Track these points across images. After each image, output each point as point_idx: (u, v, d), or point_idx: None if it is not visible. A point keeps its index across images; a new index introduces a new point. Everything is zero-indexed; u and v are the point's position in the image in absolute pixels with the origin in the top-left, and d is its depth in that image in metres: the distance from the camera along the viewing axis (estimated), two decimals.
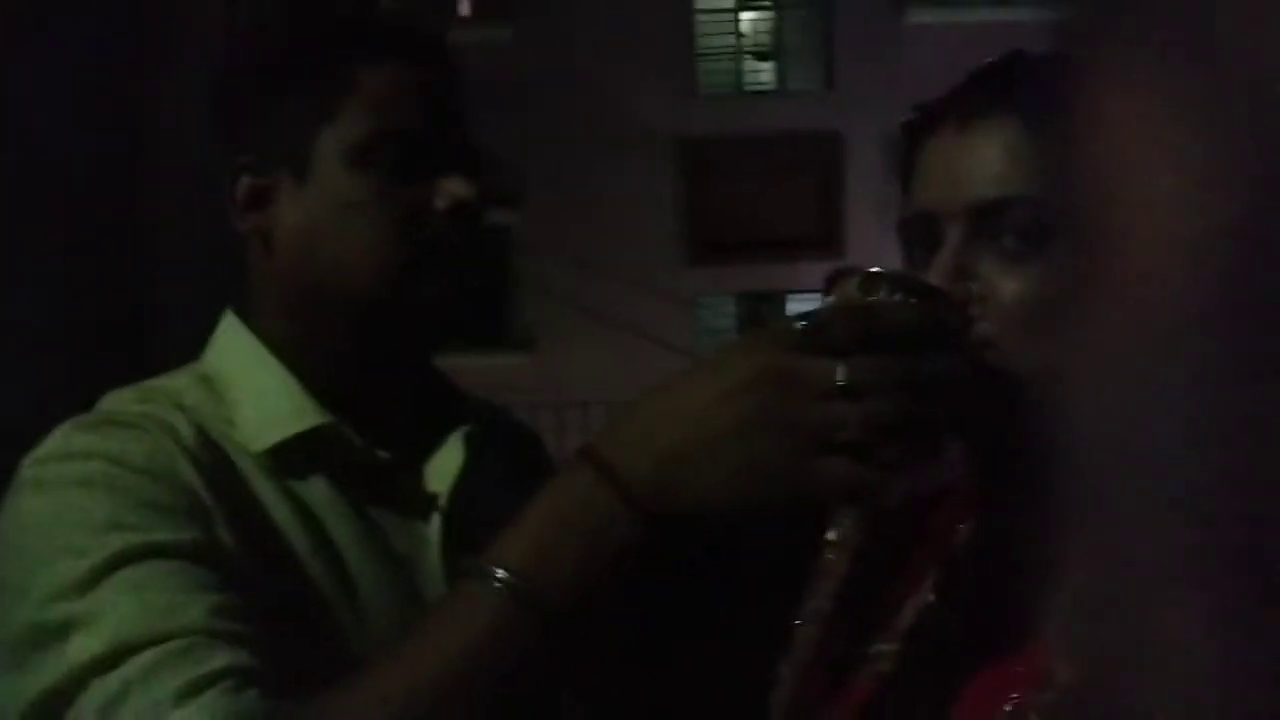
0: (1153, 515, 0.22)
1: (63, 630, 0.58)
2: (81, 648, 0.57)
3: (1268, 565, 0.21)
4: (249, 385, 0.72)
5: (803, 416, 0.48)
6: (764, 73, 6.38)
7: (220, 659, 0.56)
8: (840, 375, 0.48)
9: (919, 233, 0.61)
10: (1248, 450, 0.21)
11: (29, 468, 0.65)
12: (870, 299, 0.51)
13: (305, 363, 0.73)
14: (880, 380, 0.48)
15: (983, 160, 0.58)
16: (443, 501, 0.74)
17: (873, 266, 0.53)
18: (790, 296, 6.05)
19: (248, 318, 0.76)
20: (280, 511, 0.69)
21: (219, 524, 0.65)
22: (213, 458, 0.68)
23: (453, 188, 0.72)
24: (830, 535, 0.65)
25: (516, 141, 5.67)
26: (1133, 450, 0.23)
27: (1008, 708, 0.54)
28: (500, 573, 0.49)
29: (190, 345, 0.78)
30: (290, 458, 0.71)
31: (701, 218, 6.06)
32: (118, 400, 0.71)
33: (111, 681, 0.56)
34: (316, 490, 0.71)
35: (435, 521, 0.74)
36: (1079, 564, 0.24)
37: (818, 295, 0.59)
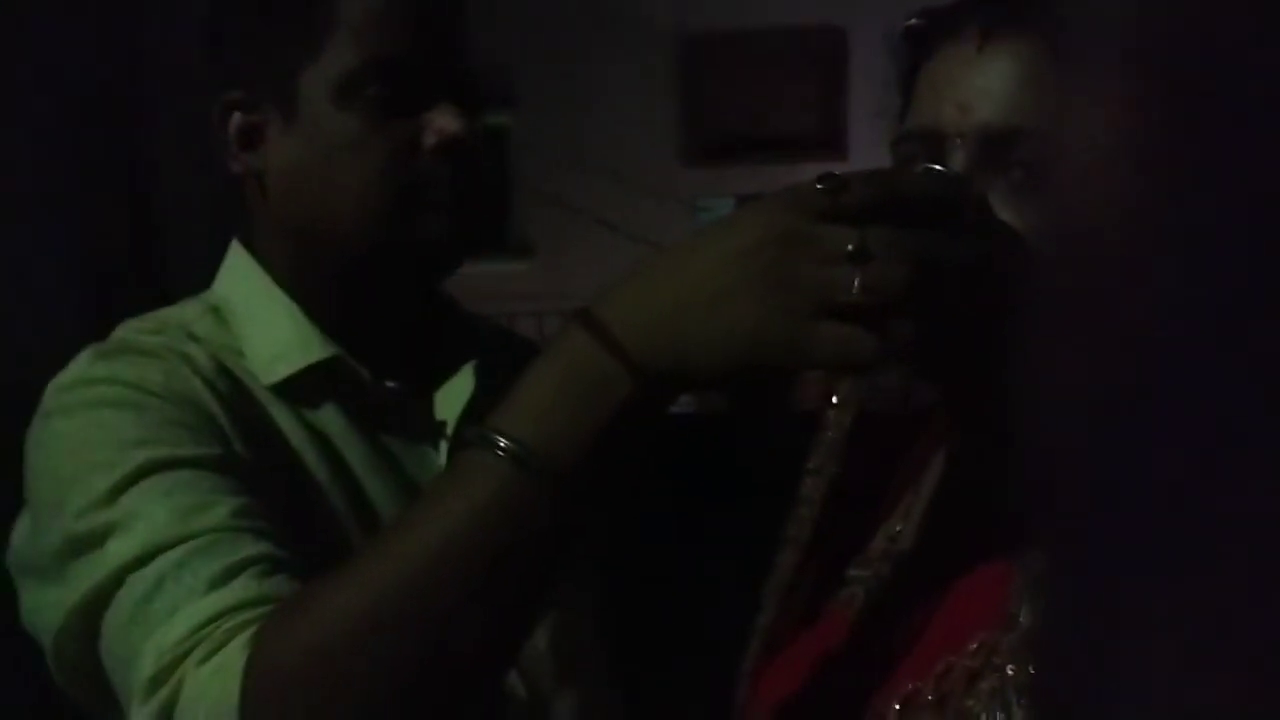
0: (1125, 511, 0.23)
1: (98, 538, 0.61)
2: (116, 552, 0.60)
3: (1236, 559, 0.21)
4: (257, 318, 0.73)
5: (807, 278, 0.47)
6: None
7: (248, 549, 0.59)
8: (852, 239, 0.47)
9: (920, 150, 0.56)
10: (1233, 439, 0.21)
11: (52, 395, 0.68)
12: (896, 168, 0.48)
13: (309, 297, 0.74)
14: (892, 247, 0.47)
15: (1000, 82, 0.54)
16: (452, 428, 0.75)
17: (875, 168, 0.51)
18: None
19: (254, 248, 0.76)
20: (296, 437, 0.70)
21: (238, 445, 0.66)
22: (229, 386, 0.69)
23: (443, 122, 0.70)
24: (811, 464, 0.67)
25: (510, 39, 5.55)
26: (1102, 448, 0.23)
27: (973, 645, 0.54)
28: (502, 440, 0.48)
29: (201, 277, 0.79)
30: (301, 389, 0.72)
31: (701, 117, 5.95)
32: (133, 330, 0.72)
33: (146, 576, 0.58)
34: (329, 418, 0.72)
35: (445, 448, 0.75)
36: (1046, 536, 0.25)
37: None
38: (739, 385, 0.50)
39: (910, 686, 0.55)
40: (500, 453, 0.48)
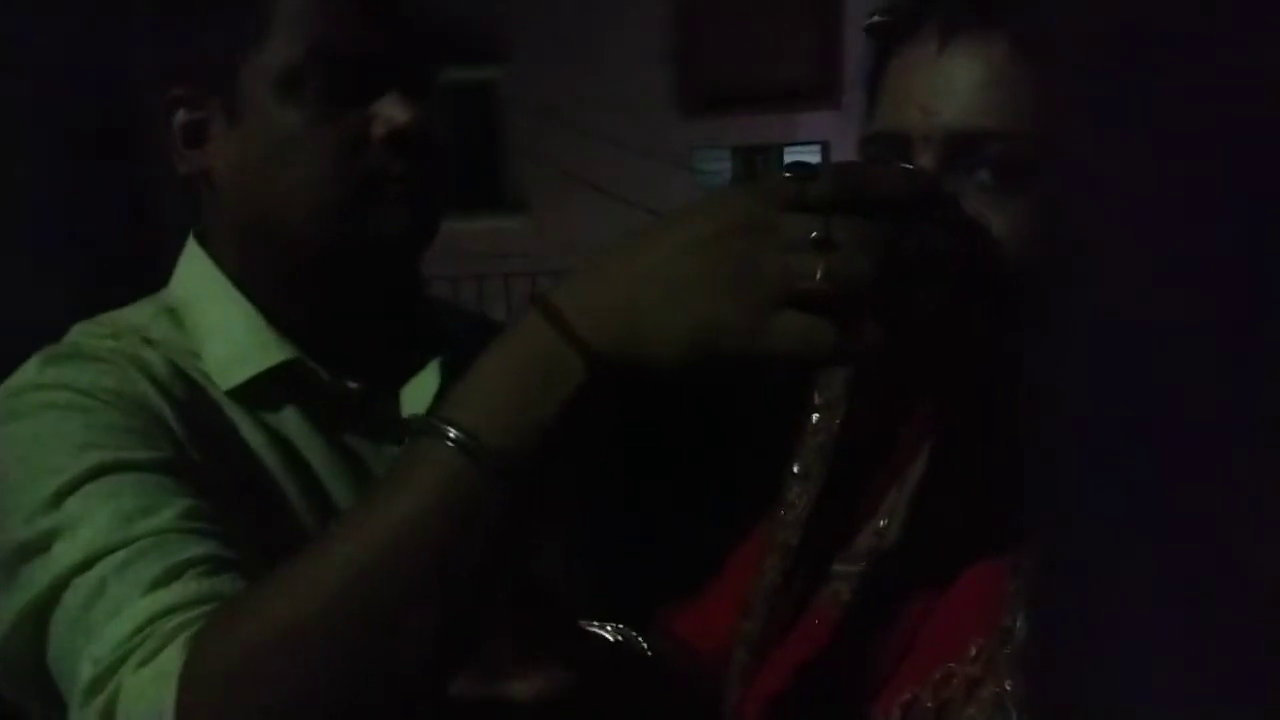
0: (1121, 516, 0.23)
1: (44, 543, 0.60)
2: (60, 557, 0.59)
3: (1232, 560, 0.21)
4: (212, 320, 0.71)
5: (769, 266, 0.45)
6: None
7: (192, 550, 0.58)
8: (817, 227, 0.45)
9: (886, 153, 0.55)
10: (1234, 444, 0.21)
11: (1, 400, 0.66)
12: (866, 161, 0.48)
13: (265, 296, 0.71)
14: (858, 238, 0.45)
15: (964, 84, 0.53)
16: None
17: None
18: (787, 149, 5.84)
19: (208, 246, 0.74)
20: (255, 441, 0.69)
21: (194, 451, 0.65)
22: (185, 390, 0.68)
23: (391, 112, 0.67)
24: (796, 467, 0.66)
25: None
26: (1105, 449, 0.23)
27: (972, 652, 0.53)
28: (450, 430, 0.46)
29: None
30: (259, 392, 0.70)
31: (694, 68, 5.80)
32: (85, 334, 0.71)
33: (89, 580, 0.57)
34: (289, 421, 0.71)
35: None
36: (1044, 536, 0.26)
37: (815, 147, 0.60)
38: (698, 377, 0.48)
39: (908, 694, 0.55)
40: (449, 443, 0.46)
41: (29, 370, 0.67)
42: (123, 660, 0.54)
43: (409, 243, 0.69)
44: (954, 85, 0.53)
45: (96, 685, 0.54)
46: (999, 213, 0.52)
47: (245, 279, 0.72)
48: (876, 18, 0.58)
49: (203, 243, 0.74)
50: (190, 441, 0.65)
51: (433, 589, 0.46)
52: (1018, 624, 0.52)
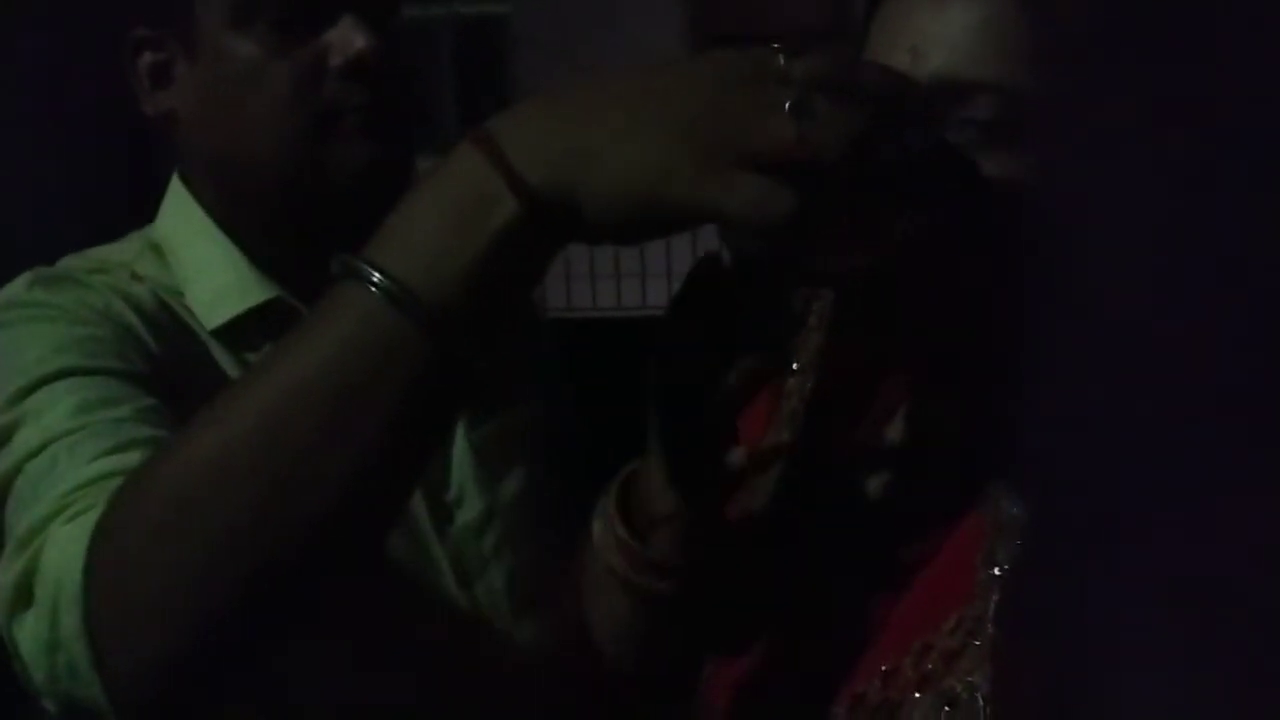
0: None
1: (5, 435, 0.61)
2: (20, 444, 0.60)
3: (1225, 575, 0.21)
4: (196, 258, 0.71)
5: (739, 120, 0.41)
6: None
7: (146, 432, 0.58)
8: (796, 94, 0.41)
9: None
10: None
11: None
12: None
13: (244, 234, 0.71)
14: (837, 113, 0.41)
15: (957, 31, 0.51)
16: None
17: None
18: None
19: (189, 184, 0.74)
20: (235, 375, 0.69)
21: (173, 378, 0.65)
22: (171, 324, 0.68)
23: (346, 40, 0.65)
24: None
25: None
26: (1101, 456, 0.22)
27: (950, 624, 0.53)
28: (371, 272, 0.43)
29: None
30: (242, 331, 0.70)
31: (707, 8, 5.71)
32: (75, 264, 0.71)
33: (42, 459, 0.58)
34: None
35: None
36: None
37: None
38: (631, 234, 0.44)
39: (888, 666, 0.54)
40: (370, 286, 0.43)
41: (16, 286, 0.67)
42: (55, 515, 0.54)
43: (375, 175, 0.67)
44: (946, 31, 0.51)
45: (26, 539, 0.54)
46: (983, 167, 0.50)
47: (224, 217, 0.71)
48: None
49: (185, 182, 0.73)
50: (171, 370, 0.65)
51: (347, 431, 0.43)
52: (990, 614, 0.51)
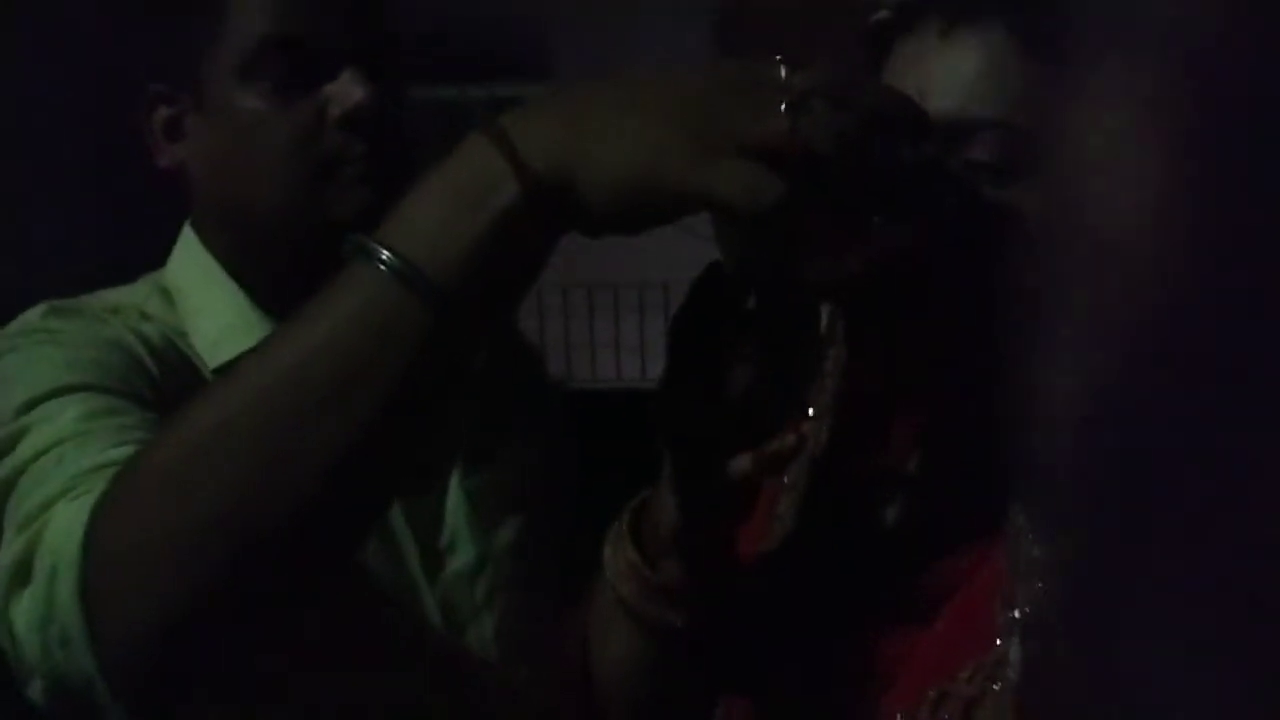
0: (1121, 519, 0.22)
1: (11, 443, 0.62)
2: (25, 448, 0.61)
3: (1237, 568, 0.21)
4: (202, 300, 0.74)
5: (736, 113, 0.43)
6: None
7: (151, 432, 0.59)
8: (793, 94, 0.43)
9: None
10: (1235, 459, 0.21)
11: (3, 339, 0.70)
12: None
13: (251, 279, 0.74)
14: (832, 115, 0.43)
15: (959, 72, 0.53)
16: None
17: None
18: None
19: (199, 231, 0.77)
20: None
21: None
22: (178, 362, 0.71)
23: (346, 93, 0.69)
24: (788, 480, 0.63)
25: (544, 8, 5.52)
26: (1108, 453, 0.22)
27: (966, 672, 0.53)
28: (379, 250, 0.44)
29: None
30: None
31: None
32: (89, 301, 0.74)
33: (49, 458, 0.59)
34: None
35: None
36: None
37: None
38: (630, 221, 0.45)
39: (904, 711, 0.54)
40: (376, 263, 0.44)
41: (32, 316, 0.71)
42: (59, 498, 0.55)
43: (372, 220, 0.70)
44: (952, 74, 0.53)
45: (27, 522, 0.55)
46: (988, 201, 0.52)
47: (232, 262, 0.75)
48: (878, 16, 0.58)
49: (196, 230, 0.77)
50: (175, 403, 0.65)
51: (341, 406, 0.44)
52: (1011, 658, 0.51)
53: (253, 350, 0.48)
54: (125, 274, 0.78)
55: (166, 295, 0.75)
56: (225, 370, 0.71)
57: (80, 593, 0.48)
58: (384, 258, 0.44)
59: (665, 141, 0.43)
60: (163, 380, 0.68)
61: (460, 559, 0.77)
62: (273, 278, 0.74)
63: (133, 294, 0.76)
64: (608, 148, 0.44)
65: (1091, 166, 0.23)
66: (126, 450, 0.57)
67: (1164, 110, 0.21)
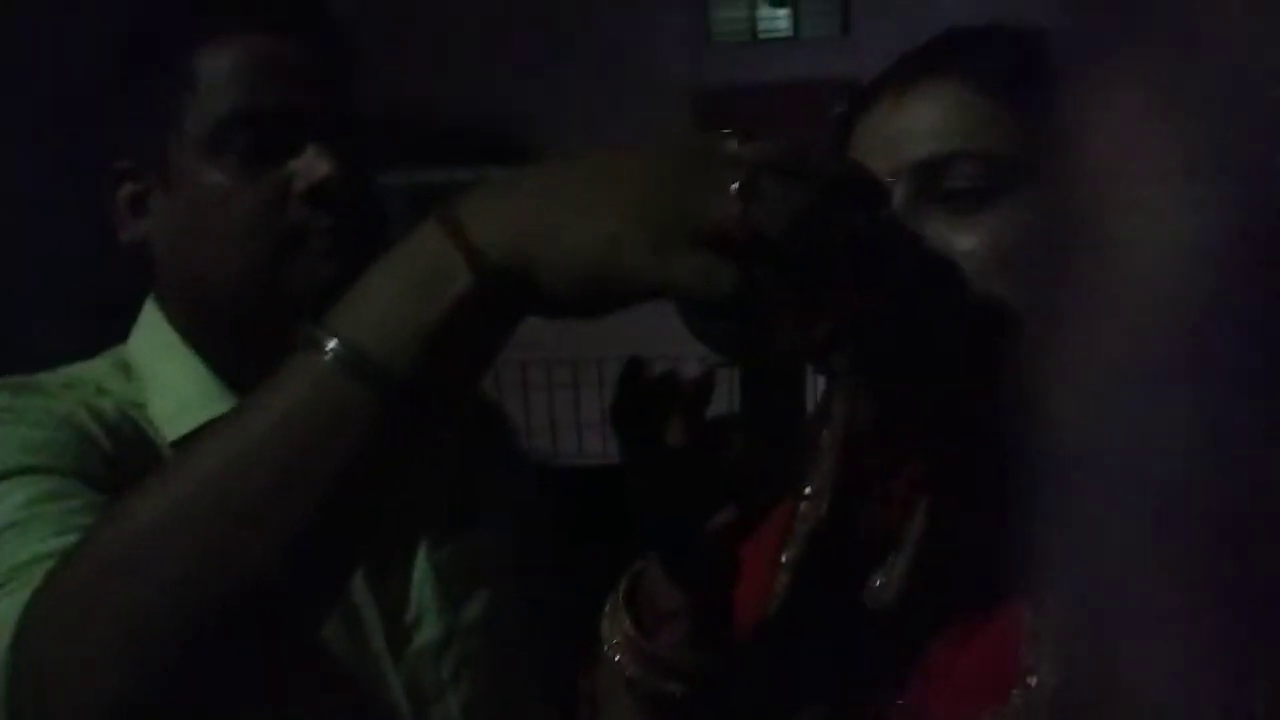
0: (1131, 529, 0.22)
1: None
2: None
3: (1250, 587, 0.20)
4: (161, 374, 0.73)
5: (690, 200, 0.43)
6: (779, 19, 6.16)
7: (93, 519, 0.57)
8: (743, 176, 0.43)
9: None
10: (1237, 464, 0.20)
11: None
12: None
13: (212, 352, 0.74)
14: (783, 192, 0.43)
15: (922, 121, 0.56)
16: None
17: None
18: None
19: (162, 306, 0.77)
20: None
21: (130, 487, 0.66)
22: (132, 437, 0.70)
23: (311, 167, 0.69)
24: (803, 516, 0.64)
25: (530, 94, 5.66)
26: (1117, 461, 0.22)
27: (986, 714, 0.52)
28: (327, 339, 0.43)
29: None
30: None
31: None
32: (44, 379, 0.73)
33: None
34: None
35: None
36: (1054, 577, 0.23)
37: None
38: (585, 307, 0.44)
39: None
40: (324, 352, 0.43)
41: None
42: None
43: (336, 293, 0.67)
44: (915, 125, 0.56)
45: None
46: (969, 232, 0.54)
47: (193, 336, 0.74)
48: (838, 109, 0.61)
49: (159, 304, 0.77)
50: (128, 479, 0.64)
51: (288, 495, 0.43)
52: (1030, 683, 0.50)
53: (198, 438, 0.47)
54: (93, 349, 0.79)
55: (126, 369, 0.75)
56: (182, 444, 0.70)
57: (6, 697, 0.47)
58: (332, 346, 0.44)
59: (619, 232, 0.43)
60: (117, 455, 0.67)
61: (426, 634, 0.75)
62: (235, 352, 0.73)
63: (92, 369, 0.75)
64: (563, 236, 0.44)
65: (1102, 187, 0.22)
66: (68, 540, 0.55)
67: (1171, 120, 0.21)
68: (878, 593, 0.61)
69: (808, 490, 0.65)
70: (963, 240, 0.55)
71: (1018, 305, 0.53)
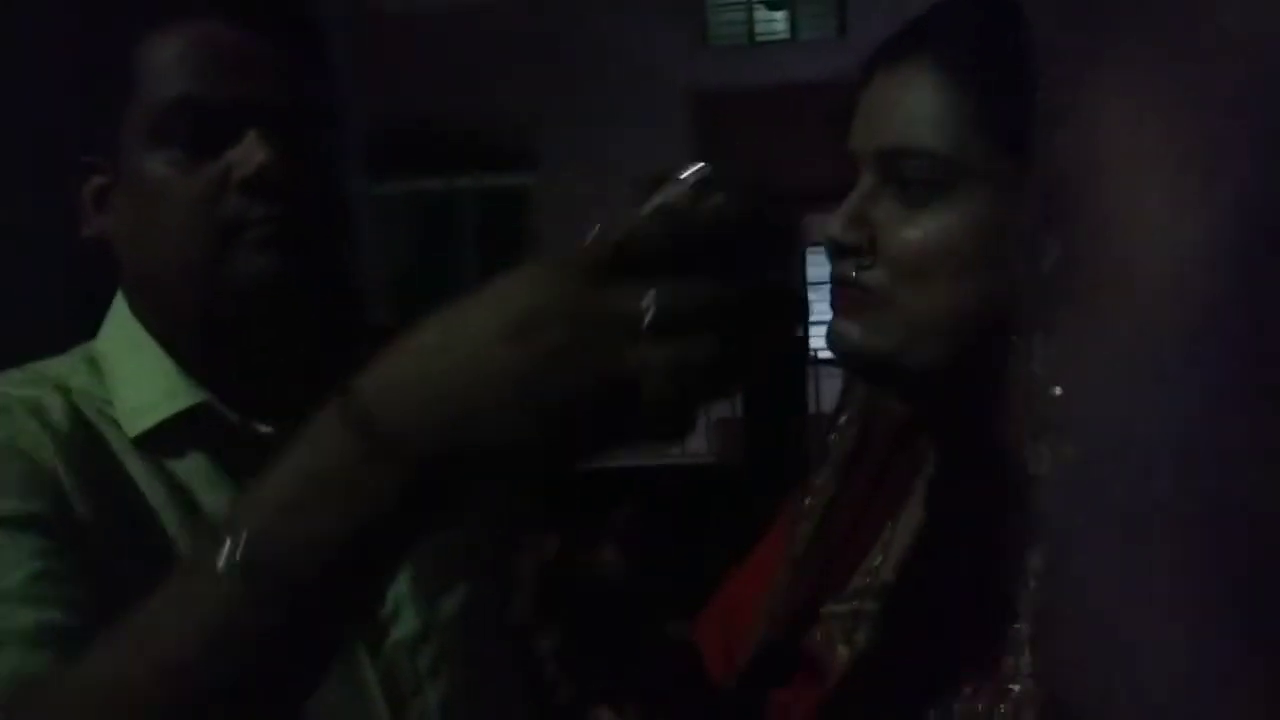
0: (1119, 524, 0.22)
1: None
2: None
3: (1237, 569, 0.20)
4: (128, 368, 0.73)
5: (605, 360, 0.40)
6: (776, 22, 6.18)
7: (22, 620, 0.57)
8: (646, 313, 0.40)
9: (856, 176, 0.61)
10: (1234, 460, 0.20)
11: None
12: (689, 204, 0.43)
13: (176, 345, 0.73)
14: (693, 311, 0.40)
15: (895, 106, 0.59)
16: None
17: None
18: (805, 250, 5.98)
19: (129, 299, 0.76)
20: (152, 490, 0.69)
21: (78, 503, 0.65)
22: (85, 440, 0.68)
23: (248, 156, 0.67)
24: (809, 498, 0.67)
25: (532, 101, 5.70)
26: (1108, 458, 0.22)
27: (968, 692, 0.53)
28: (224, 539, 0.42)
29: None
30: (166, 438, 0.71)
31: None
32: (8, 375, 0.72)
33: None
34: (194, 468, 0.71)
35: None
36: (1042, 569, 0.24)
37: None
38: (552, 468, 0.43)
39: None
40: (218, 555, 0.42)
41: None
42: None
43: (275, 286, 0.68)
44: (886, 106, 0.60)
45: None
46: (915, 223, 0.57)
47: (158, 330, 0.74)
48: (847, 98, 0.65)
49: (126, 297, 0.76)
50: (79, 492, 0.65)
51: (193, 701, 0.43)
52: (1020, 677, 0.51)
53: (112, 634, 0.46)
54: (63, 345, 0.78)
55: (93, 364, 0.74)
56: (144, 441, 0.70)
57: None
58: (228, 554, 0.42)
59: (544, 409, 0.41)
60: (65, 467, 0.66)
61: (402, 628, 0.74)
62: (196, 341, 0.73)
63: (58, 365, 0.74)
64: (507, 428, 0.41)
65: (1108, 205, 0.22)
66: None
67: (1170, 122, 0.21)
68: (872, 572, 0.63)
69: (806, 501, 0.67)
70: (909, 230, 0.58)
71: (954, 300, 0.57)
